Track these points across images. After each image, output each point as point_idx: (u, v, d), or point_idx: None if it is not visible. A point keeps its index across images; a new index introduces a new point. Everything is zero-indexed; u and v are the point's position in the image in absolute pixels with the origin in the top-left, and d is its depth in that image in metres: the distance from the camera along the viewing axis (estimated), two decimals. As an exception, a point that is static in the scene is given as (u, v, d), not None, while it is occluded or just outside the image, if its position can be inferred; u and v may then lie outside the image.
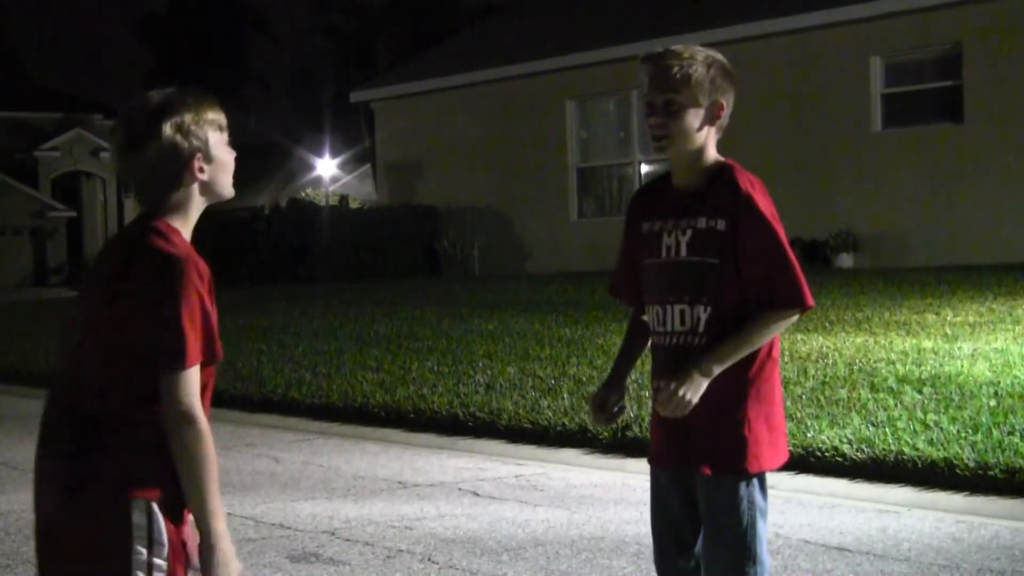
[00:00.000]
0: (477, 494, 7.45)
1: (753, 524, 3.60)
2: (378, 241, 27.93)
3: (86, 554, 3.01)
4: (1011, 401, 8.16)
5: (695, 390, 3.51)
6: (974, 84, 21.11)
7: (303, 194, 45.60)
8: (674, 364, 3.60)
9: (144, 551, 2.97)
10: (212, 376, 3.10)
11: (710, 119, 3.61)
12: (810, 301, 3.58)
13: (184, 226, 3.07)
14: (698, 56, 3.61)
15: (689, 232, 3.61)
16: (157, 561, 2.98)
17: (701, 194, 3.61)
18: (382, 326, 15.25)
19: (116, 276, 3.04)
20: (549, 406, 9.35)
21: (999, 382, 8.82)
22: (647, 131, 3.67)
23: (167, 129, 3.00)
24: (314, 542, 6.36)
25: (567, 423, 8.86)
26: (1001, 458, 6.82)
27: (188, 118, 3.03)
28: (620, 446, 8.34)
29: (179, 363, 2.94)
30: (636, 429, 8.23)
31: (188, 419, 2.95)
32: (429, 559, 5.97)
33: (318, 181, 51.60)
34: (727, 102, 3.64)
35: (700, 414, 3.56)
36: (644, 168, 25.77)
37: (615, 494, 7.30)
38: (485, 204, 28.01)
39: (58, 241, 53.72)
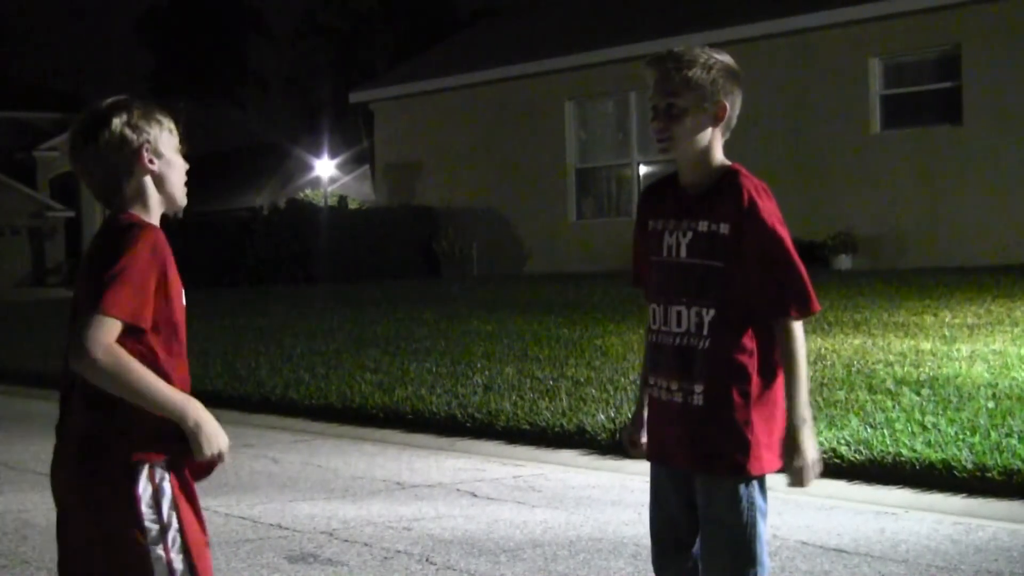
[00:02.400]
0: (475, 495, 7.45)
1: (753, 525, 3.60)
2: (376, 242, 27.93)
3: (97, 520, 3.18)
4: (1009, 403, 8.16)
5: (812, 447, 3.52)
6: (973, 85, 21.12)
7: (301, 195, 45.52)
8: (679, 364, 3.60)
9: (152, 511, 3.16)
10: (163, 348, 3.18)
11: (714, 121, 3.61)
12: (817, 306, 3.58)
13: (148, 218, 3.25)
14: (699, 58, 3.61)
15: (689, 234, 3.61)
16: (165, 512, 3.17)
17: (705, 196, 3.61)
18: (380, 327, 15.25)
19: (89, 255, 3.21)
20: (547, 407, 9.35)
21: (997, 384, 8.82)
22: (652, 134, 3.68)
23: (115, 122, 3.21)
24: (312, 543, 6.36)
25: (565, 424, 8.85)
26: (999, 460, 6.82)
27: (136, 114, 3.24)
28: (618, 447, 8.33)
29: (97, 307, 3.04)
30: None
31: (90, 360, 3.05)
32: (427, 560, 5.97)
33: (316, 182, 51.54)
34: (731, 103, 3.64)
35: (701, 415, 3.57)
36: (643, 169, 25.78)
37: (613, 495, 7.30)
38: (484, 205, 28.01)
39: (56, 241, 53.73)
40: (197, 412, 3.17)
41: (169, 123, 3.28)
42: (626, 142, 26.43)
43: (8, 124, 54.11)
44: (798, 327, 3.56)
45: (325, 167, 50.96)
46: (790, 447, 3.51)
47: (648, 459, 3.80)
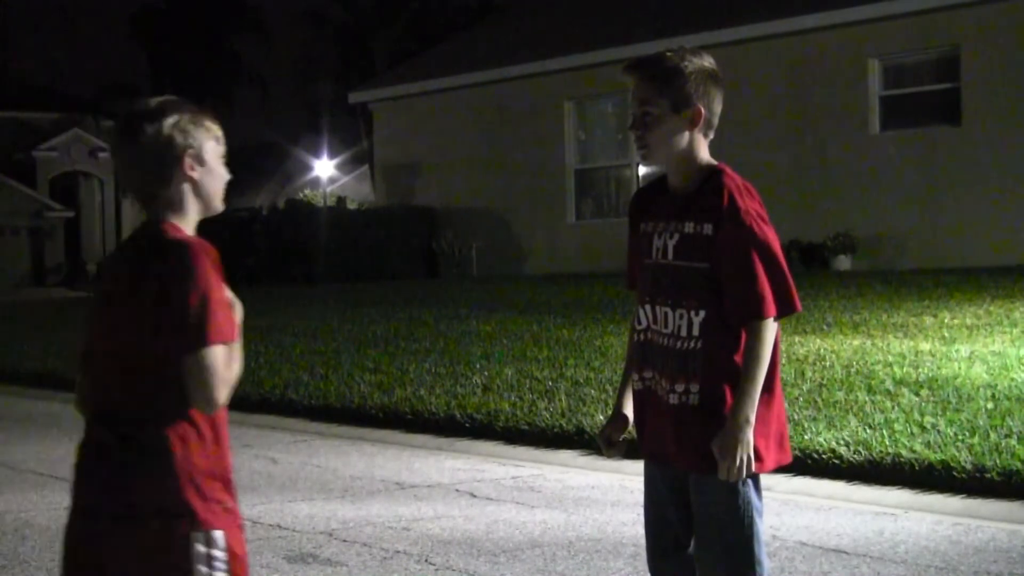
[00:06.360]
0: (474, 495, 7.45)
1: (750, 524, 3.60)
2: (376, 242, 27.92)
3: None
4: (1008, 404, 8.17)
5: (745, 445, 3.50)
6: (972, 87, 21.13)
7: (301, 195, 45.56)
8: (674, 364, 3.60)
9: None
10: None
11: (690, 125, 3.60)
12: (772, 311, 3.53)
13: (185, 226, 3.14)
14: (671, 64, 3.59)
15: (676, 236, 3.61)
16: None
17: (691, 198, 3.62)
18: (380, 327, 15.25)
19: (130, 278, 3.07)
20: (546, 407, 9.36)
21: (996, 385, 8.82)
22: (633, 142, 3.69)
23: (166, 122, 3.10)
24: (311, 543, 6.36)
25: (564, 424, 8.86)
26: (998, 461, 6.82)
27: (185, 118, 3.13)
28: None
29: (202, 339, 2.95)
30: (633, 431, 8.22)
31: (213, 405, 3.01)
32: (426, 560, 5.97)
33: (316, 182, 51.58)
34: (706, 106, 3.61)
35: (697, 415, 3.58)
36: (642, 170, 25.76)
37: (612, 496, 7.30)
38: (483, 205, 28.01)
39: (56, 241, 53.71)
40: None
41: (217, 130, 3.19)
42: (625, 143, 26.42)
43: (8, 124, 54.07)
44: (767, 328, 3.53)
45: (324, 167, 51.00)
46: (730, 443, 3.48)
47: (643, 455, 3.82)
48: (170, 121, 3.10)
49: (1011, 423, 7.60)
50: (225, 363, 3.00)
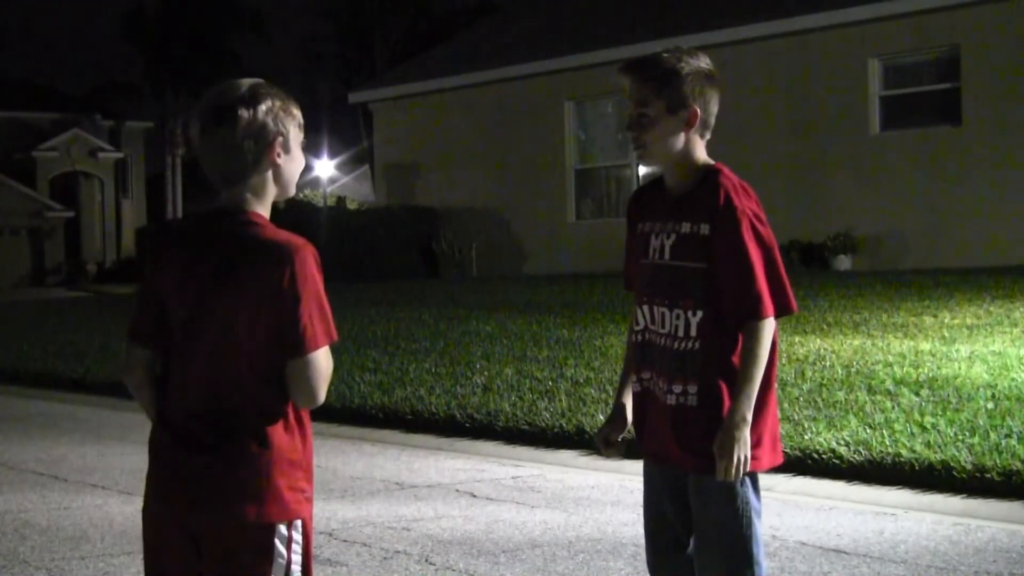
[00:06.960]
0: (474, 495, 7.45)
1: (749, 525, 3.60)
2: (376, 242, 27.91)
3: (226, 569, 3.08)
4: (1008, 404, 8.17)
5: (743, 444, 3.49)
6: (972, 87, 21.12)
7: (301, 195, 45.55)
8: (672, 365, 3.60)
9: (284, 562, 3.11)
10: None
11: (686, 126, 3.60)
12: (770, 311, 3.53)
13: (263, 210, 3.15)
14: (667, 65, 3.59)
15: (673, 236, 3.61)
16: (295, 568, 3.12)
17: (687, 198, 3.62)
18: (380, 327, 15.25)
19: (229, 273, 3.06)
20: (546, 407, 9.36)
21: (996, 385, 8.82)
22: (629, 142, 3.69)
23: (260, 108, 3.09)
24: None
25: (564, 424, 8.86)
26: (998, 461, 6.83)
27: (278, 104, 3.12)
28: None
29: (313, 343, 3.07)
30: (633, 431, 8.22)
31: (316, 403, 3.10)
32: (426, 560, 5.97)
33: (316, 182, 51.57)
34: (702, 106, 3.60)
35: (695, 415, 3.58)
36: (642, 170, 25.76)
37: (612, 496, 7.30)
38: (483, 205, 28.01)
39: (56, 241, 53.72)
40: None
41: (300, 117, 3.19)
42: (625, 142, 26.40)
43: (8, 124, 54.09)
44: (764, 329, 3.52)
45: (324, 167, 50.95)
46: (727, 442, 3.48)
47: (642, 455, 3.82)
48: (264, 107, 3.09)
49: (1011, 423, 7.60)
50: (327, 362, 3.10)
